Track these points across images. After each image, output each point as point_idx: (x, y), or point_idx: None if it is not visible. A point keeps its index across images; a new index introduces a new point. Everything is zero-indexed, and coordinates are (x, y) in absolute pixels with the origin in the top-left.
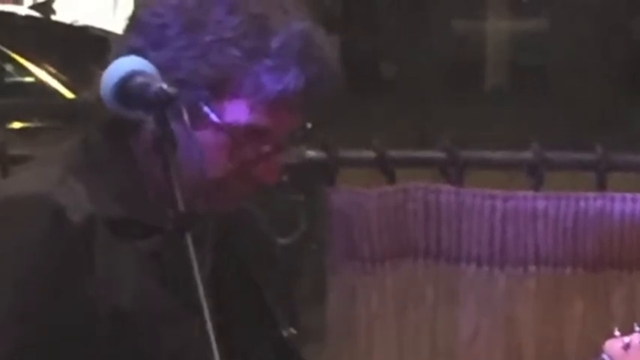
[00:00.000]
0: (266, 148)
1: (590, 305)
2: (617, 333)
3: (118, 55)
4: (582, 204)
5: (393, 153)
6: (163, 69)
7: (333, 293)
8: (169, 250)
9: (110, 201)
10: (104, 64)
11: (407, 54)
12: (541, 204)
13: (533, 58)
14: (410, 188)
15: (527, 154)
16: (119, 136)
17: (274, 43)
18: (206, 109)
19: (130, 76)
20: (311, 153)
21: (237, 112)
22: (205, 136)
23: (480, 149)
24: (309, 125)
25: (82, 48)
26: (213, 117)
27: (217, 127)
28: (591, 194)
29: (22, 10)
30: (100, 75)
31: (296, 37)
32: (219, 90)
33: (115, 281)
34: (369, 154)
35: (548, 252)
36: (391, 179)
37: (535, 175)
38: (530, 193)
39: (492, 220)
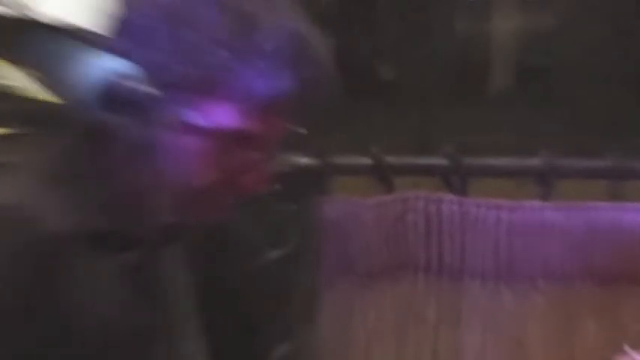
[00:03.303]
0: (256, 155)
1: (602, 321)
2: (627, 349)
3: (100, 57)
4: (594, 214)
5: (392, 160)
6: (148, 71)
7: (329, 309)
8: (152, 263)
9: (88, 211)
10: (85, 66)
11: (407, 55)
12: (550, 215)
13: (541, 60)
14: (410, 198)
15: (535, 162)
16: (99, 142)
17: (266, 45)
18: (193, 113)
19: (113, 78)
20: (304, 160)
21: (226, 116)
22: (191, 141)
23: (484, 156)
24: (302, 131)
25: (62, 49)
26: (200, 121)
27: (204, 132)
28: (603, 204)
29: None
30: (82, 77)
31: (289, 39)
32: (207, 93)
33: (91, 296)
34: (366, 161)
35: (557, 266)
36: (390, 188)
37: (544, 183)
38: (538, 203)
39: (498, 233)
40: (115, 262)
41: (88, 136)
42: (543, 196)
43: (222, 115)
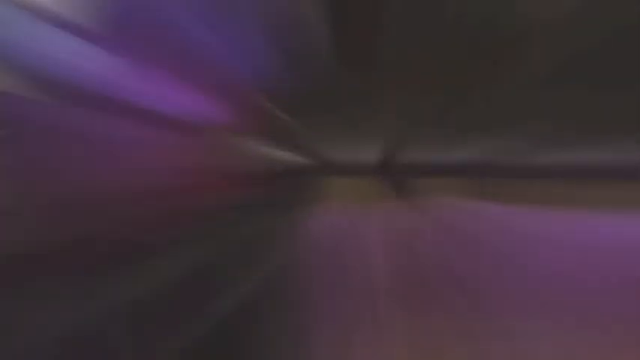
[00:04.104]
0: (230, 149)
1: None
2: None
3: (63, 39)
4: None
5: (404, 157)
6: (106, 49)
7: (322, 346)
8: (111, 283)
9: (37, 224)
10: (46, 48)
11: (421, 27)
12: (607, 225)
13: (585, 40)
14: (427, 205)
15: (584, 158)
16: (52, 136)
17: (244, 19)
18: (153, 98)
19: (74, 63)
20: (294, 157)
21: (194, 102)
22: (150, 132)
23: (521, 151)
24: (290, 121)
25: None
26: (163, 108)
27: (168, 122)
28: None
29: None
30: (42, 60)
31: (272, 11)
32: (173, 75)
33: (43, 318)
34: (372, 158)
35: (621, 294)
36: (402, 193)
37: (597, 185)
38: (591, 211)
39: (542, 250)
40: (70, 282)
41: (40, 130)
42: (596, 200)
43: (189, 101)
